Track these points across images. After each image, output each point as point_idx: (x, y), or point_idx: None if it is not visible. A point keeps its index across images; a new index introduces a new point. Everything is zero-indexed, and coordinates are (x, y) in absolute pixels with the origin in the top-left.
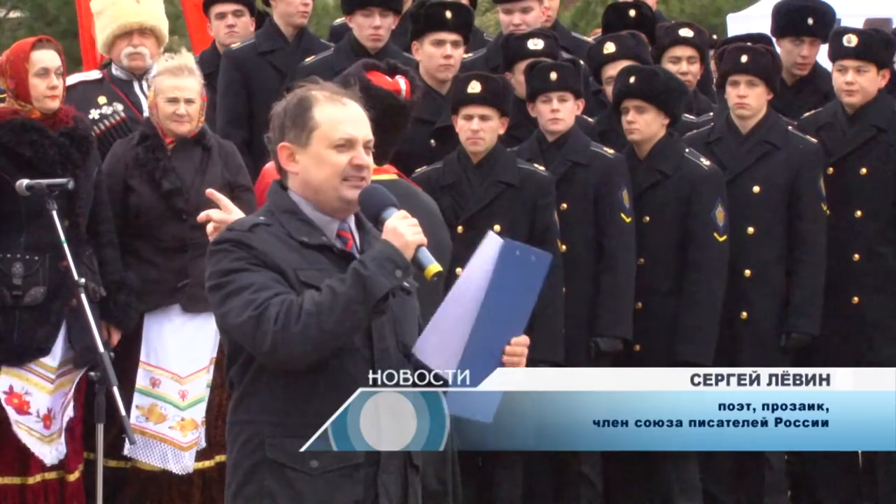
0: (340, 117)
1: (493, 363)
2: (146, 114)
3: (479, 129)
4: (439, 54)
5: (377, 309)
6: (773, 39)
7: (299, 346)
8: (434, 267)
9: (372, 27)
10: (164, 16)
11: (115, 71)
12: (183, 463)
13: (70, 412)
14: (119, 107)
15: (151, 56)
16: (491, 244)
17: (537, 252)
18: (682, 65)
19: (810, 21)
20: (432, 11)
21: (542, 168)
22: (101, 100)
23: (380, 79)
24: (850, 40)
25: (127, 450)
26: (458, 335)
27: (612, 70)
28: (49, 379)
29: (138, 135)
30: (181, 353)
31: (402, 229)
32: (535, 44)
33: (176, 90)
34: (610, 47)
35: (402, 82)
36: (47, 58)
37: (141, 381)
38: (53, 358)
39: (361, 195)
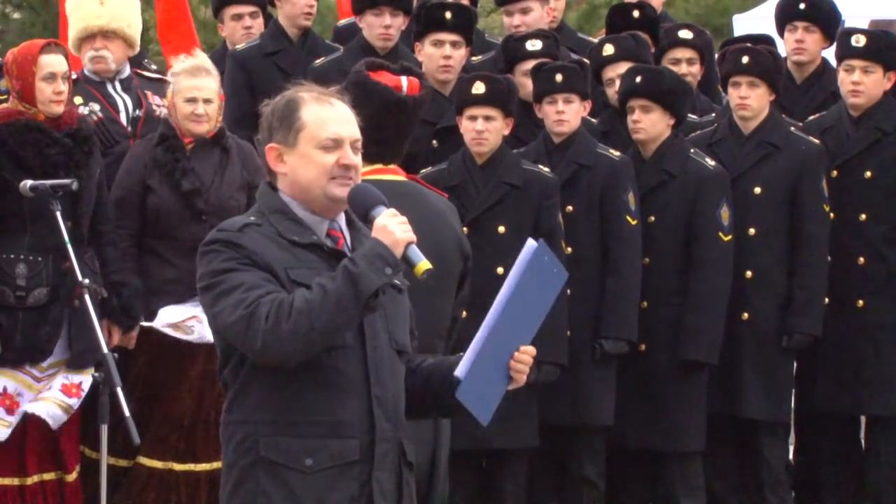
0: (327, 117)
1: (501, 366)
2: (122, 115)
3: (483, 129)
4: (438, 55)
5: (367, 306)
6: (777, 40)
7: (290, 343)
8: (424, 264)
9: (382, 27)
10: (133, 17)
11: (87, 72)
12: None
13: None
14: (96, 107)
15: (117, 59)
16: (526, 247)
17: (559, 265)
18: (682, 66)
19: (802, 6)
20: (432, 12)
21: (546, 169)
22: (78, 100)
23: (382, 76)
24: (859, 40)
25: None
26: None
27: (612, 72)
28: (36, 378)
29: (157, 135)
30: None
31: (392, 227)
32: (534, 44)
33: (194, 90)
34: (609, 49)
35: (404, 80)
36: (55, 62)
37: None
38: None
39: (350, 194)
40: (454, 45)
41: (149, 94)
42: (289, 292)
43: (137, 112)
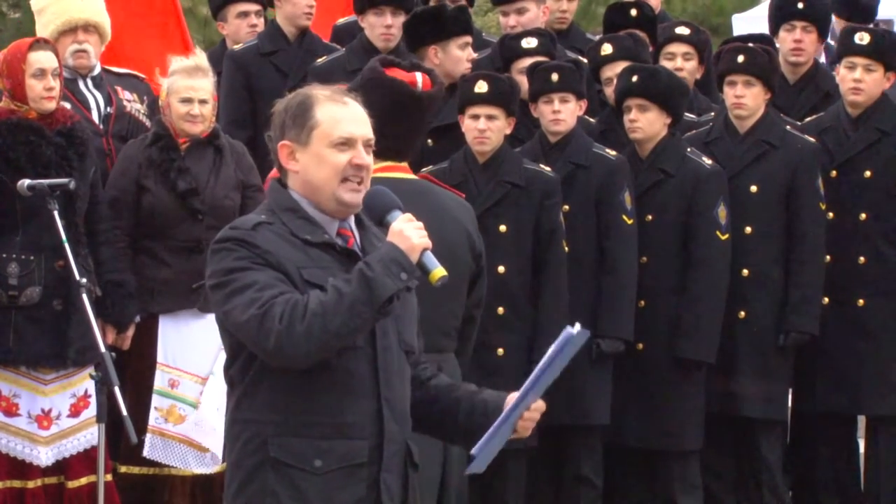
0: (341, 116)
1: (510, 423)
2: (94, 113)
3: (485, 128)
4: (465, 56)
5: (382, 310)
6: (775, 40)
7: (303, 345)
8: (439, 271)
9: (384, 26)
10: (105, 13)
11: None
12: (204, 462)
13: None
14: (67, 105)
15: (95, 54)
16: (563, 333)
17: (585, 332)
18: (678, 61)
19: (800, 5)
20: (462, 15)
21: (547, 168)
22: None
23: (395, 72)
24: (863, 38)
25: (146, 451)
26: None
27: (610, 71)
28: (42, 381)
29: (151, 135)
30: (201, 354)
31: (408, 232)
32: (529, 42)
33: (190, 90)
34: (607, 48)
35: (418, 76)
36: (44, 59)
37: (159, 382)
38: (47, 359)
39: (366, 197)
40: (471, 45)
41: (118, 89)
42: (302, 292)
43: (108, 109)
